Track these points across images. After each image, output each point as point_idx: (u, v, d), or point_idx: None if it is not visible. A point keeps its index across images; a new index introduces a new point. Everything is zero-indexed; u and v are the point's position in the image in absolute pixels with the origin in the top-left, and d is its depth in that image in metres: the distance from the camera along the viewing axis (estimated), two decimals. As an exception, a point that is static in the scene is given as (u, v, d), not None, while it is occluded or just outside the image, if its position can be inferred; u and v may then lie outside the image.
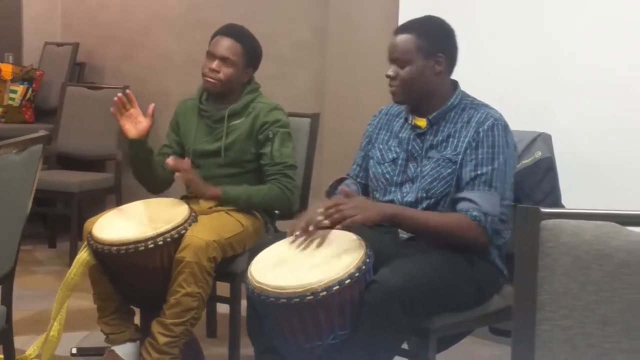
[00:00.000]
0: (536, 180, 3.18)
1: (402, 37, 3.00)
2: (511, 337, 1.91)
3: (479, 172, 2.89)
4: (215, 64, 3.64)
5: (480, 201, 2.85)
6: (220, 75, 3.64)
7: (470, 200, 2.87)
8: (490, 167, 2.88)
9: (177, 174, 3.45)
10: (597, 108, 3.72)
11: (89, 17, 6.89)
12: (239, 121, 3.69)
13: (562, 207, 3.08)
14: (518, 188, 3.14)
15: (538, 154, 3.20)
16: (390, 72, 3.01)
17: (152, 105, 3.54)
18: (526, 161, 3.20)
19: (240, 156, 3.68)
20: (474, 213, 2.84)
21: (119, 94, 3.55)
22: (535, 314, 1.85)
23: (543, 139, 3.25)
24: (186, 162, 3.50)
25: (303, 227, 2.81)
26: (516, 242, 1.88)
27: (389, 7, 4.49)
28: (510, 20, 4.04)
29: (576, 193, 3.35)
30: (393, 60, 3.01)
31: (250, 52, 3.72)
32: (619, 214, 1.87)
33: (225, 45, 3.66)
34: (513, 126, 3.19)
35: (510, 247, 2.92)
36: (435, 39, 3.01)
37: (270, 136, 3.63)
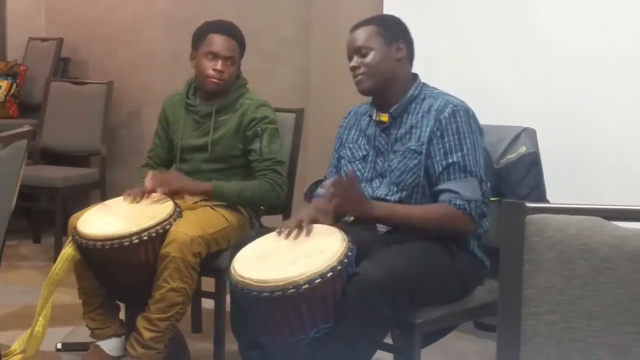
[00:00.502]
0: (521, 175, 3.19)
1: (361, 29, 3.10)
2: (496, 332, 1.92)
3: (450, 160, 2.92)
4: (220, 65, 3.63)
5: (460, 189, 2.89)
6: (225, 75, 3.65)
7: (451, 191, 2.90)
8: (460, 154, 2.92)
9: (157, 192, 3.44)
10: (582, 103, 3.73)
11: (73, 13, 6.87)
12: (226, 117, 3.69)
13: (547, 202, 3.10)
14: (503, 183, 3.16)
15: (523, 149, 3.21)
16: (354, 63, 3.08)
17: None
18: (511, 156, 3.21)
19: (227, 152, 3.68)
20: (457, 202, 2.87)
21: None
22: (520, 308, 1.85)
23: (527, 134, 3.26)
24: (162, 177, 3.48)
25: (291, 225, 2.83)
26: (501, 236, 1.89)
27: (373, 3, 4.49)
28: (494, 15, 4.05)
29: (561, 188, 3.36)
30: (355, 51, 3.09)
31: (243, 47, 3.75)
32: (604, 208, 1.88)
33: (227, 45, 3.66)
34: (498, 121, 3.21)
35: (493, 240, 2.94)
36: (394, 28, 3.12)
37: (259, 132, 3.64)
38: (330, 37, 4.90)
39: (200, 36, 3.71)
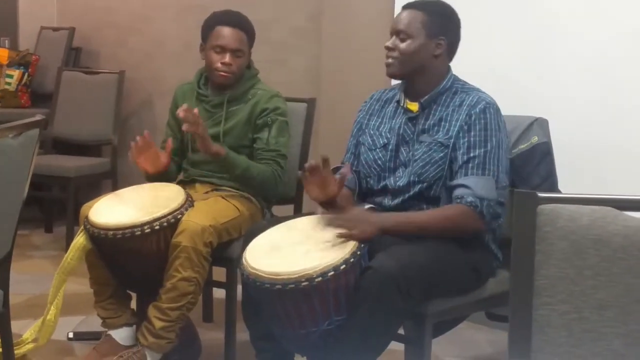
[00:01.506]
0: (533, 165, 3.18)
1: (410, 12, 3.01)
2: (508, 322, 1.91)
3: (471, 154, 2.88)
4: (228, 58, 3.62)
5: (474, 186, 2.84)
6: (234, 68, 3.64)
7: (464, 186, 2.85)
8: (482, 150, 2.88)
9: (185, 125, 3.37)
10: (594, 93, 3.71)
11: (84, 2, 6.87)
12: (238, 107, 3.69)
13: (559, 192, 3.08)
14: (515, 173, 3.14)
15: (535, 139, 3.20)
16: (389, 43, 3.02)
17: (169, 142, 3.56)
18: (523, 146, 3.19)
19: (238, 142, 3.67)
20: (469, 199, 2.82)
21: (138, 139, 3.49)
22: (532, 298, 1.85)
23: (540, 124, 3.25)
24: (195, 113, 3.42)
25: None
26: (513, 226, 1.88)
27: (385, -7, 4.48)
28: (507, 6, 4.03)
29: (573, 178, 3.35)
30: (396, 32, 3.01)
31: (252, 37, 3.73)
32: (616, 198, 1.87)
33: (235, 37, 3.64)
34: (510, 111, 3.19)
35: (506, 231, 2.93)
36: (442, 22, 3.02)
37: (269, 123, 3.63)
38: (342, 26, 4.89)
39: (207, 28, 3.70)
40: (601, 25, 3.69)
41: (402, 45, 2.98)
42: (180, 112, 3.34)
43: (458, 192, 2.86)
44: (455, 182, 2.89)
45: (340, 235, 2.67)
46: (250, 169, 3.55)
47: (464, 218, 2.83)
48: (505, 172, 2.92)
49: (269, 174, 3.57)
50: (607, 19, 3.68)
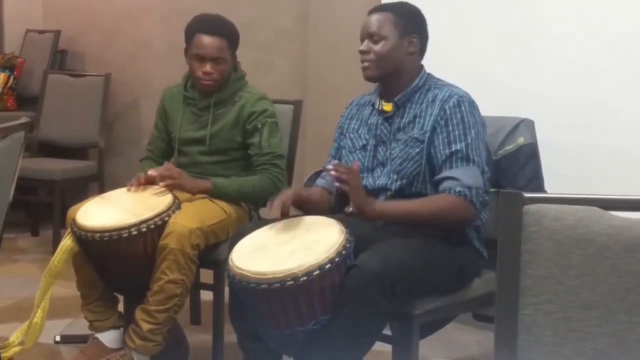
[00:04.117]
0: (519, 166, 3.19)
1: (380, 14, 3.07)
2: (494, 323, 1.92)
3: (453, 149, 2.91)
4: (208, 67, 3.62)
5: (461, 176, 2.87)
6: (216, 76, 3.63)
7: (452, 178, 2.88)
8: (464, 143, 2.91)
9: (161, 184, 3.43)
10: (580, 94, 3.73)
11: (69, 5, 6.86)
12: (224, 109, 3.69)
13: (545, 192, 3.10)
14: (501, 174, 3.16)
15: (521, 140, 3.21)
16: (363, 47, 3.06)
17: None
18: (509, 147, 3.21)
19: (225, 144, 3.68)
20: (458, 189, 2.85)
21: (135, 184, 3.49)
22: (518, 298, 1.86)
23: (526, 125, 3.26)
24: (167, 168, 3.47)
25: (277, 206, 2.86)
26: (499, 227, 1.89)
27: (371, -6, 4.49)
28: (493, 5, 4.05)
29: (559, 178, 3.36)
30: (368, 35, 3.06)
31: (234, 41, 3.71)
32: (601, 198, 1.88)
33: (213, 45, 3.62)
34: (496, 112, 3.20)
35: (491, 231, 2.94)
36: (411, 20, 3.08)
37: (259, 126, 3.63)
38: (328, 28, 4.90)
39: (188, 35, 3.68)
40: (587, 26, 3.71)
41: (377, 47, 3.03)
42: (153, 173, 3.41)
43: (446, 184, 2.89)
44: (441, 175, 2.91)
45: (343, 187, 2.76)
46: (243, 188, 3.58)
47: (454, 208, 2.86)
48: (486, 159, 2.97)
49: (266, 183, 3.58)
50: (593, 20, 3.69)
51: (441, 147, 2.93)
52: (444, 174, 2.91)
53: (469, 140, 2.91)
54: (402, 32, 3.03)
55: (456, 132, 2.92)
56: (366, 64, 3.06)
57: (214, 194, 3.56)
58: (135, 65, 6.35)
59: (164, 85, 3.96)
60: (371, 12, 3.11)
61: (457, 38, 3.96)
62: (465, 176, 2.87)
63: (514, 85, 3.92)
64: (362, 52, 3.06)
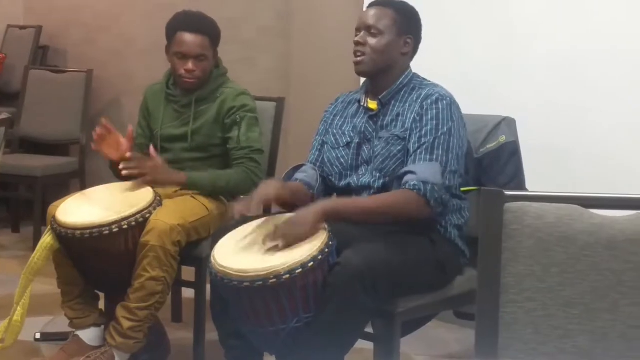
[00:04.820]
0: (500, 165, 3.19)
1: (380, 9, 3.04)
2: (475, 320, 1.92)
3: (422, 142, 2.89)
4: (190, 65, 3.61)
5: (418, 170, 2.84)
6: (198, 73, 3.63)
7: (411, 172, 2.86)
8: (432, 137, 2.89)
9: (137, 180, 3.42)
10: (562, 93, 3.75)
11: (51, 0, 6.82)
12: (206, 106, 3.68)
13: (526, 190, 3.10)
14: (482, 172, 3.16)
15: (502, 138, 3.21)
16: (359, 38, 3.02)
17: (130, 128, 3.52)
18: (490, 145, 3.20)
19: (207, 141, 3.67)
20: (413, 182, 2.82)
21: (98, 129, 3.48)
22: (499, 296, 1.86)
23: (507, 124, 3.26)
24: (140, 166, 3.46)
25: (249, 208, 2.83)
26: (480, 224, 1.89)
27: (355, -8, 4.49)
28: (478, 6, 4.06)
29: (540, 177, 3.37)
30: (366, 27, 3.02)
31: (216, 38, 3.71)
32: (582, 196, 1.89)
33: (196, 43, 3.62)
34: (478, 110, 3.21)
35: (473, 229, 2.94)
36: (410, 21, 3.07)
37: (237, 120, 3.62)
38: (311, 25, 4.90)
39: (170, 33, 3.68)
40: (569, 26, 3.73)
41: (373, 41, 3.00)
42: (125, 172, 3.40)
43: (405, 178, 2.86)
44: (403, 169, 2.90)
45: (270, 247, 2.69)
46: (218, 181, 3.56)
47: (407, 202, 2.82)
48: (457, 161, 2.92)
49: (242, 176, 3.57)
50: (576, 20, 3.71)
51: (413, 141, 2.91)
52: (406, 168, 2.89)
53: (439, 134, 2.89)
54: (400, 31, 3.02)
55: (428, 127, 2.90)
56: (359, 57, 3.02)
57: (189, 186, 3.55)
58: (117, 61, 6.32)
59: (147, 82, 3.94)
60: (372, 4, 3.09)
61: (440, 38, 3.96)
62: (422, 171, 2.84)
63: (496, 83, 3.93)
64: (356, 44, 3.02)
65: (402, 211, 2.84)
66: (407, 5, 3.10)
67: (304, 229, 2.70)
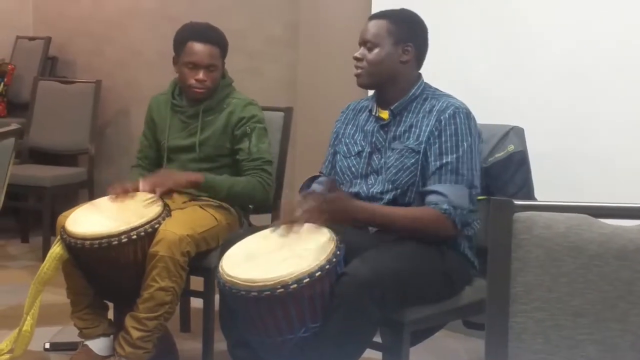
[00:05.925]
0: (509, 174, 3.19)
1: (376, 22, 3.06)
2: (484, 330, 1.92)
3: (444, 161, 2.90)
4: (201, 75, 3.62)
5: (449, 194, 2.86)
6: (208, 83, 3.64)
7: (439, 193, 2.87)
8: (455, 155, 2.90)
9: (154, 195, 3.43)
10: (570, 101, 3.74)
11: (60, 12, 6.85)
12: (213, 116, 3.69)
13: (535, 200, 3.10)
14: (491, 182, 3.16)
15: (511, 148, 3.21)
16: (358, 54, 3.06)
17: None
18: (499, 155, 3.20)
19: (215, 151, 3.68)
20: (444, 206, 2.85)
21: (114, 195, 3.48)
22: (508, 306, 1.86)
23: (516, 133, 3.26)
24: (155, 180, 3.48)
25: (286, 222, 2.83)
26: (489, 234, 1.89)
27: (360, 2, 4.49)
28: (482, 13, 4.05)
29: (549, 186, 3.37)
30: (363, 42, 3.06)
31: (225, 49, 3.72)
32: (591, 206, 1.89)
33: (207, 53, 3.63)
34: (486, 119, 3.20)
35: (482, 240, 2.94)
36: (407, 29, 3.06)
37: (248, 132, 3.63)
38: (318, 35, 4.90)
39: (179, 43, 3.69)
40: (576, 34, 3.72)
41: (370, 55, 3.03)
42: (141, 186, 3.45)
43: (432, 198, 2.88)
44: (429, 187, 2.91)
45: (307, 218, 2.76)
46: (234, 187, 3.57)
47: (436, 223, 2.86)
48: (478, 176, 2.96)
49: (256, 186, 3.58)
50: (582, 28, 3.70)
51: (432, 158, 2.92)
52: (432, 187, 2.90)
53: (461, 153, 2.90)
54: (396, 40, 3.02)
55: (448, 144, 2.91)
56: (359, 70, 3.06)
57: (205, 186, 3.55)
58: (125, 72, 6.34)
59: (154, 92, 3.95)
60: (370, 18, 3.12)
61: (448, 46, 3.96)
62: (453, 195, 2.87)
63: (504, 93, 3.92)
64: (356, 59, 3.06)
65: (428, 230, 2.88)
66: (405, 13, 3.11)
67: (345, 216, 2.81)
